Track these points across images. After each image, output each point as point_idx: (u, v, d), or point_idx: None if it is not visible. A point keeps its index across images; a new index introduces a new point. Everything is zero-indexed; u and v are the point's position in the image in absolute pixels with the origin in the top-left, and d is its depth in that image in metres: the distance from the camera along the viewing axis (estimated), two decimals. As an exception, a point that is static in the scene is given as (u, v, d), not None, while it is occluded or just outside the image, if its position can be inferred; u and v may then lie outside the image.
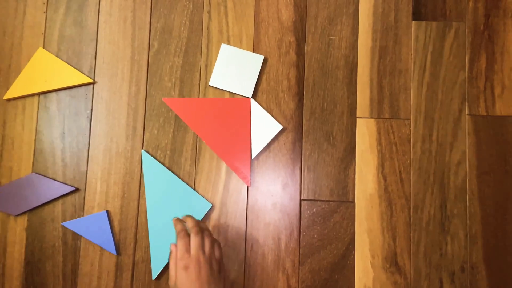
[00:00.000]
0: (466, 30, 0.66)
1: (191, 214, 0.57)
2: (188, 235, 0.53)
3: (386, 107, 0.65)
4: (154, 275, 0.63)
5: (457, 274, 0.61)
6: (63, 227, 0.64)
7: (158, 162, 0.64)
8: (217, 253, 0.53)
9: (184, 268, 0.50)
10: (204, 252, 0.52)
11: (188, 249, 0.52)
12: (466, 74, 0.65)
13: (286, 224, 0.64)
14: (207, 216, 0.64)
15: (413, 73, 0.65)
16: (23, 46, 0.68)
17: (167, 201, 0.64)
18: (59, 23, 0.68)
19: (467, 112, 0.64)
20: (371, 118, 0.65)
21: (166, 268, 0.63)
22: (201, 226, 0.55)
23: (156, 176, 0.64)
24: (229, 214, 0.64)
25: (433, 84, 0.65)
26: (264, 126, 0.65)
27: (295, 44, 0.67)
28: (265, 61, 0.66)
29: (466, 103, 0.64)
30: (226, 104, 0.66)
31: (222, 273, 0.53)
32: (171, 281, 0.51)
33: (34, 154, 0.66)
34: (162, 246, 0.63)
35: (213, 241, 0.54)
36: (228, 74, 0.66)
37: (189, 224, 0.55)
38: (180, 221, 0.56)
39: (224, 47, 0.66)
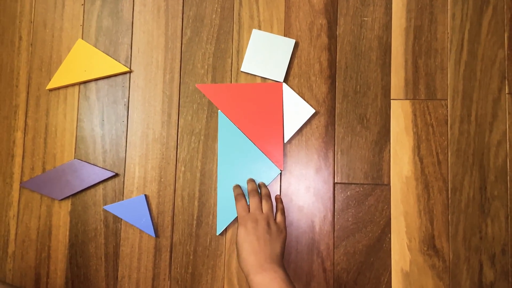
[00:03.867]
0: (505, 6, 0.63)
1: (261, 178, 0.65)
2: (245, 197, 0.60)
3: (422, 88, 0.63)
4: (218, 231, 0.65)
5: (497, 257, 0.60)
6: (104, 210, 0.67)
7: (233, 123, 0.66)
8: (278, 218, 0.59)
9: (243, 224, 0.56)
10: (262, 212, 0.58)
11: (246, 209, 0.58)
12: (506, 51, 0.63)
13: (320, 207, 0.64)
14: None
15: (449, 52, 0.64)
16: (63, 38, 0.71)
17: (238, 163, 0.65)
18: (96, 14, 0.70)
19: (507, 91, 0.62)
20: (406, 99, 0.64)
21: (230, 225, 0.65)
22: (262, 190, 0.62)
23: (229, 137, 0.66)
24: (263, 198, 0.65)
25: (471, 63, 0.63)
26: (296, 110, 0.65)
27: (326, 27, 0.66)
28: (296, 45, 0.66)
29: (506, 82, 0.62)
30: (258, 89, 0.66)
31: (281, 236, 0.57)
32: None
33: (76, 141, 0.69)
34: (228, 204, 0.65)
35: (271, 205, 0.60)
36: (260, 59, 0.66)
37: (248, 187, 0.62)
38: (238, 186, 0.63)
39: (255, 33, 0.67)
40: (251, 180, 0.64)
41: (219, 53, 0.68)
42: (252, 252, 0.53)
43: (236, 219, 0.65)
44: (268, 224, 0.56)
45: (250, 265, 0.52)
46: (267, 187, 0.64)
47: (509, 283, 0.59)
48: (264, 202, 0.59)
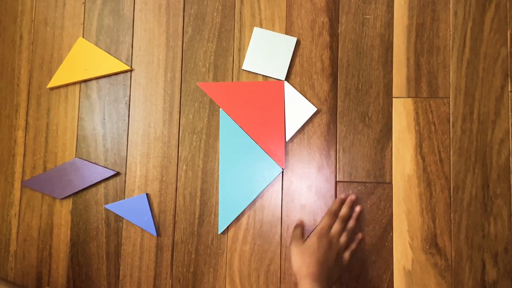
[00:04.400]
0: (508, 3, 0.63)
1: (263, 177, 0.64)
2: (335, 217, 0.61)
3: (424, 85, 0.63)
4: (220, 230, 0.65)
5: (500, 256, 0.60)
6: (106, 209, 0.67)
7: (234, 122, 0.65)
8: (346, 256, 0.59)
9: (318, 236, 0.57)
10: (338, 240, 0.59)
11: (329, 227, 0.59)
12: (508, 49, 0.62)
13: (321, 206, 0.64)
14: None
15: (452, 50, 0.63)
16: (64, 37, 0.70)
17: (240, 161, 0.65)
18: (97, 13, 0.70)
19: (509, 88, 0.62)
20: (408, 97, 0.63)
21: (232, 224, 0.65)
22: (351, 223, 0.61)
23: (231, 135, 0.66)
24: (264, 197, 0.65)
25: (473, 60, 0.63)
26: (298, 109, 0.65)
27: (328, 25, 0.66)
28: (298, 43, 0.66)
29: (509, 80, 0.62)
30: (260, 87, 0.66)
31: (336, 275, 0.58)
32: (296, 234, 0.60)
33: (77, 140, 0.69)
34: (230, 203, 0.65)
35: (348, 241, 0.60)
36: (261, 58, 0.66)
37: (342, 211, 0.61)
38: (339, 203, 0.62)
39: (256, 31, 0.66)
40: (348, 206, 0.62)
41: (221, 51, 0.68)
42: (317, 263, 0.55)
43: (237, 218, 0.65)
44: (338, 255, 0.58)
45: (310, 270, 0.54)
46: (357, 221, 0.62)
47: None
48: (345, 235, 0.60)
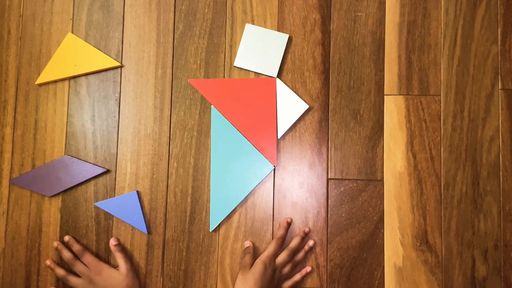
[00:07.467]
0: (498, 1, 0.63)
1: (254, 174, 0.64)
2: (282, 244, 0.61)
3: (415, 83, 0.63)
4: (212, 227, 0.64)
5: (490, 252, 0.60)
6: (95, 207, 0.66)
7: (226, 119, 0.65)
8: (286, 286, 0.61)
9: (263, 264, 0.58)
10: (281, 270, 0.60)
11: (275, 255, 0.60)
12: (499, 47, 0.63)
13: (313, 203, 0.64)
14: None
15: (443, 47, 0.63)
16: (53, 32, 0.69)
17: (231, 159, 0.65)
18: (86, 8, 0.69)
19: (500, 86, 0.62)
20: (400, 95, 0.63)
21: (223, 222, 0.65)
22: (299, 255, 0.62)
23: (223, 132, 0.65)
24: (256, 194, 0.65)
25: (464, 58, 0.63)
26: (290, 106, 0.64)
27: (320, 22, 0.66)
28: (290, 40, 0.66)
29: (499, 77, 0.62)
30: (252, 84, 0.66)
31: None
32: (245, 263, 0.59)
33: (66, 137, 0.68)
34: (221, 201, 0.64)
35: (292, 271, 0.61)
36: (253, 54, 0.66)
37: (292, 243, 0.61)
38: (285, 228, 0.62)
39: (248, 27, 0.66)
40: (300, 238, 0.62)
41: (212, 48, 0.67)
42: None
43: (228, 216, 0.64)
44: (278, 285, 0.60)
45: None
46: (306, 254, 0.62)
47: (501, 278, 0.60)
48: (291, 266, 0.61)
